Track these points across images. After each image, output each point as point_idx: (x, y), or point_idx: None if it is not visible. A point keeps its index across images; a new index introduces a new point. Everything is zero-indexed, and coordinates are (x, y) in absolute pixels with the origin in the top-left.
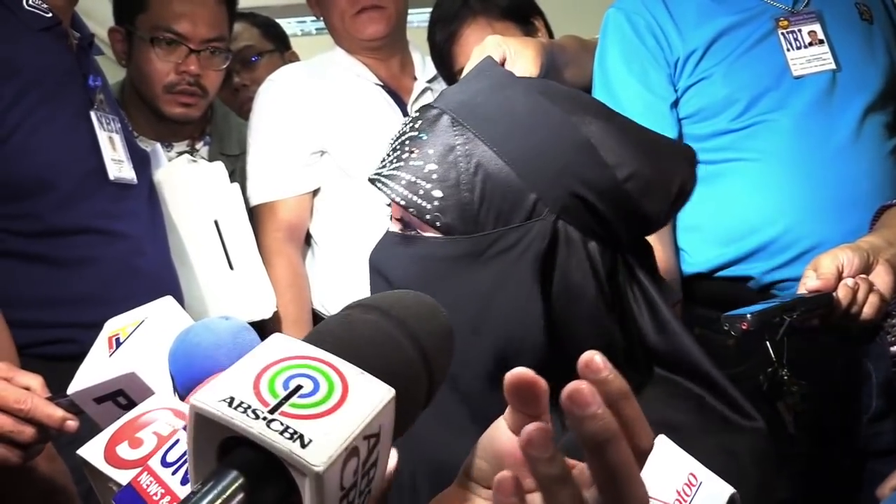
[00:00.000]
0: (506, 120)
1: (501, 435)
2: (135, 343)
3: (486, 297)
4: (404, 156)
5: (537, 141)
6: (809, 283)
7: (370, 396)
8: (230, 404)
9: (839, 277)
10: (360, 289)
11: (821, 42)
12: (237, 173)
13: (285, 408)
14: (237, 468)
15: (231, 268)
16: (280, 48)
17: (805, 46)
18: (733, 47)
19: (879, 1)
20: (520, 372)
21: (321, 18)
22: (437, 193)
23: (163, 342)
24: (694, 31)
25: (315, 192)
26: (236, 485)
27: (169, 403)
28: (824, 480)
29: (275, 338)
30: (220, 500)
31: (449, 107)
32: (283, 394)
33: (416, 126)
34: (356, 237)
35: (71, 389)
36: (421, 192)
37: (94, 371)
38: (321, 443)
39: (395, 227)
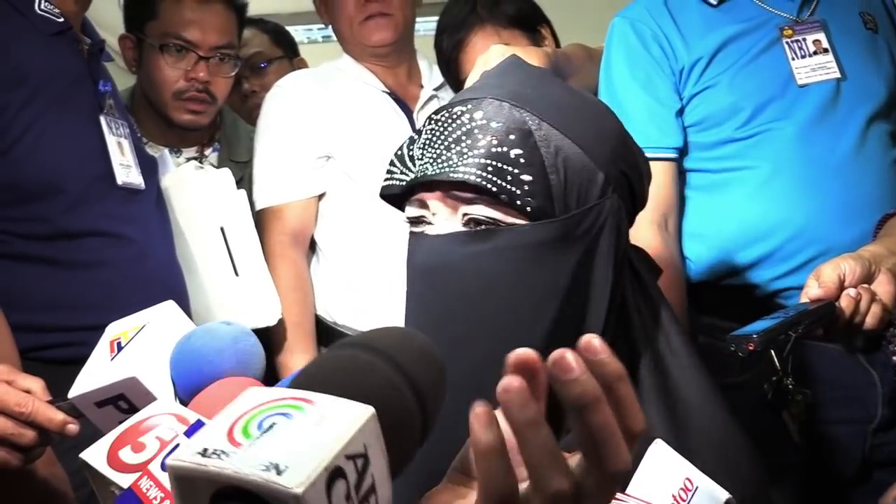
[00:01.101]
0: (562, 107)
1: None
2: (136, 348)
3: (574, 276)
4: (468, 142)
5: (592, 124)
6: (811, 291)
7: (346, 417)
8: (203, 454)
9: (841, 286)
10: (364, 295)
11: (825, 51)
12: (246, 179)
13: (259, 445)
14: None
15: (236, 274)
16: (289, 54)
17: (810, 55)
18: (738, 56)
19: (884, 10)
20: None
21: (329, 26)
22: (527, 178)
23: (164, 347)
24: (699, 40)
25: (320, 198)
26: None
27: (172, 409)
28: (828, 490)
29: (249, 391)
30: None
31: (504, 96)
32: (257, 434)
33: (476, 117)
34: (361, 244)
35: (72, 393)
36: (509, 176)
37: (95, 375)
38: (296, 466)
39: (453, 228)
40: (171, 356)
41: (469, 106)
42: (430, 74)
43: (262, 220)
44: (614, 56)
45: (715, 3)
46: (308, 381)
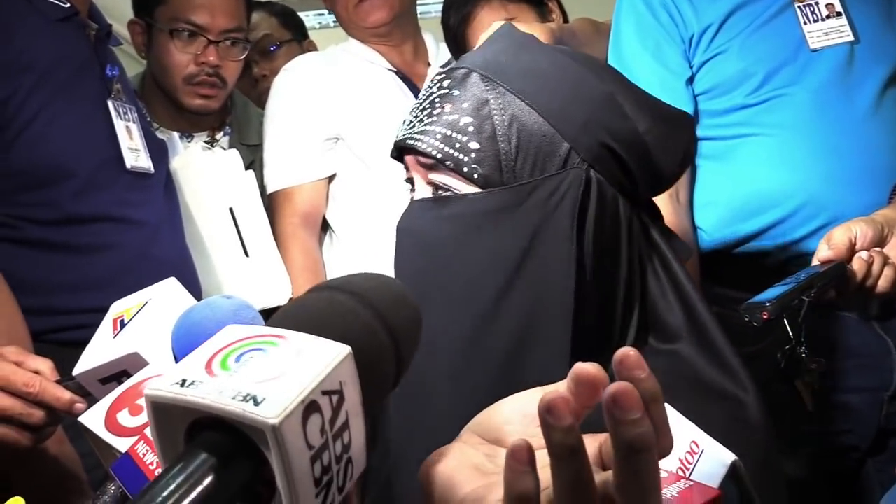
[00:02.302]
0: (533, 74)
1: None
2: (138, 324)
3: (524, 249)
4: (436, 111)
5: (565, 92)
6: (822, 254)
7: (323, 354)
8: (182, 384)
9: (852, 248)
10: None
11: (838, 14)
12: (257, 163)
13: (237, 377)
14: (205, 450)
15: (246, 255)
16: (298, 37)
17: (822, 19)
18: (749, 22)
19: None
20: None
21: (331, 12)
22: (474, 145)
23: (166, 323)
24: (708, 7)
25: (331, 179)
26: (206, 465)
27: (168, 370)
28: (842, 459)
29: (228, 328)
30: (190, 481)
31: (476, 65)
32: (235, 367)
33: (445, 84)
34: (372, 223)
35: (76, 371)
36: (457, 144)
37: (98, 352)
38: (274, 398)
39: (426, 193)
40: (172, 330)
41: (444, 74)
42: (437, 52)
43: (273, 202)
44: (623, 24)
45: None
46: (287, 320)
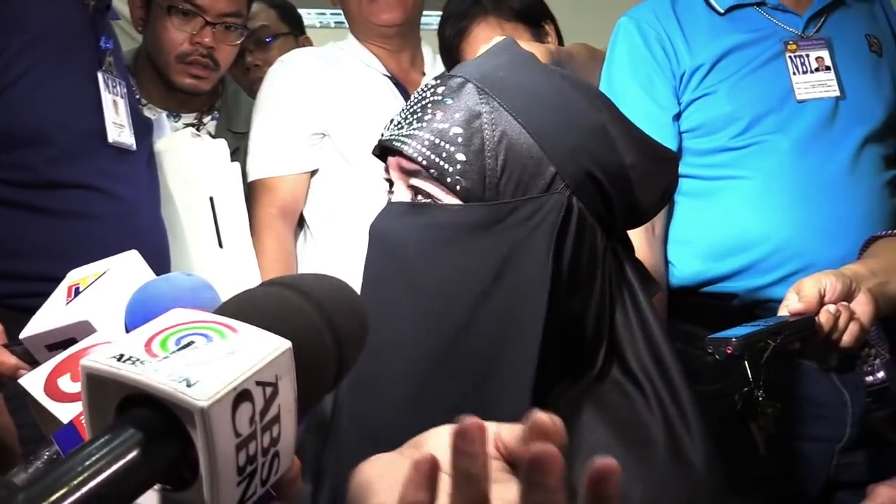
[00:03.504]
0: (529, 94)
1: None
2: (93, 293)
3: (497, 266)
4: (426, 117)
5: (559, 117)
6: (792, 305)
7: (263, 346)
8: (119, 359)
9: (821, 301)
10: (351, 273)
11: (827, 69)
12: (242, 151)
13: (174, 358)
14: (133, 425)
15: (220, 246)
16: (295, 32)
17: (811, 72)
18: (740, 66)
19: (891, 35)
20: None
21: (339, 6)
22: (461, 157)
23: (122, 294)
24: (703, 46)
25: (313, 175)
26: (133, 439)
27: (114, 337)
28: None
29: (173, 311)
30: (115, 452)
31: (473, 76)
32: (174, 348)
33: (439, 91)
34: (349, 223)
35: (23, 334)
36: (444, 154)
37: (48, 317)
38: (206, 382)
39: (404, 197)
40: (127, 303)
41: (439, 81)
42: (434, 63)
43: (253, 191)
44: (617, 55)
45: (722, 11)
46: (234, 309)
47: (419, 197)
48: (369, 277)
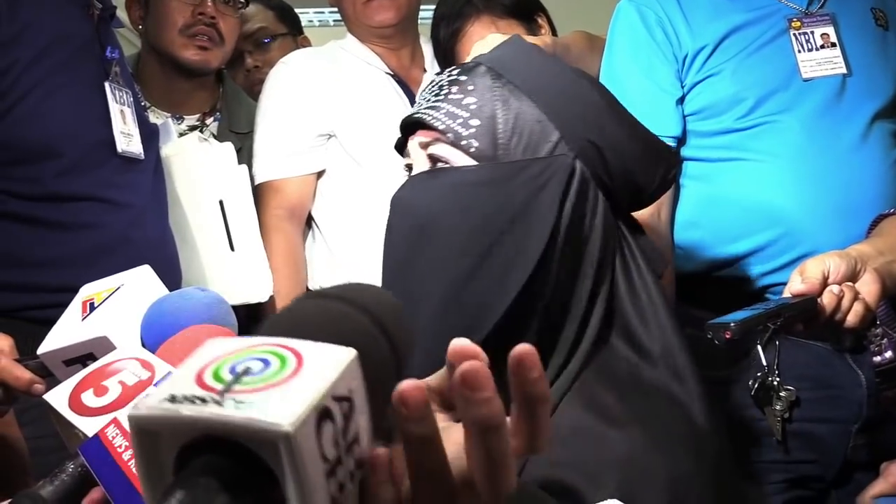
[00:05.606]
0: (535, 73)
1: None
2: (109, 308)
3: (507, 221)
4: (443, 92)
5: (563, 91)
6: (794, 286)
7: (329, 358)
8: (172, 401)
9: (824, 282)
10: (359, 272)
11: (833, 45)
12: (245, 151)
13: (236, 388)
14: (206, 476)
15: (232, 249)
16: (293, 32)
17: (817, 49)
18: (743, 45)
19: None
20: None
21: (335, 7)
22: (475, 122)
23: (137, 309)
24: (704, 28)
25: (320, 175)
26: (210, 492)
27: (137, 354)
28: (809, 489)
29: (212, 340)
30: None
31: (484, 60)
32: (230, 378)
33: (454, 73)
34: (358, 223)
35: (41, 350)
36: (459, 120)
37: (65, 333)
38: (283, 405)
39: (424, 168)
40: (142, 319)
41: (459, 68)
42: (433, 58)
43: (260, 193)
44: (617, 40)
45: None
46: (277, 329)
47: (437, 164)
48: (389, 243)
